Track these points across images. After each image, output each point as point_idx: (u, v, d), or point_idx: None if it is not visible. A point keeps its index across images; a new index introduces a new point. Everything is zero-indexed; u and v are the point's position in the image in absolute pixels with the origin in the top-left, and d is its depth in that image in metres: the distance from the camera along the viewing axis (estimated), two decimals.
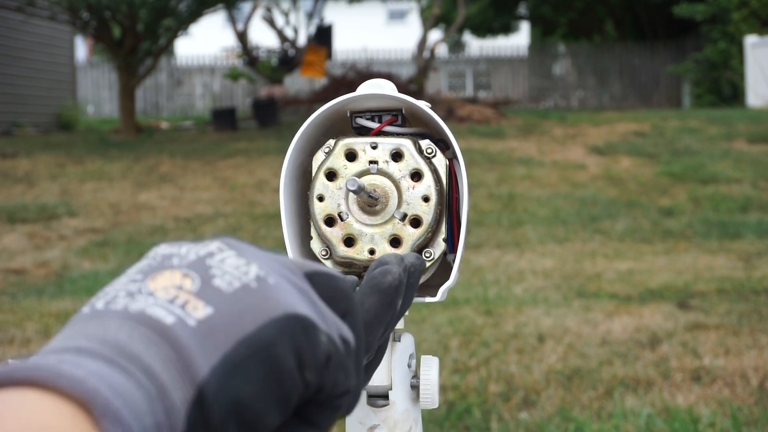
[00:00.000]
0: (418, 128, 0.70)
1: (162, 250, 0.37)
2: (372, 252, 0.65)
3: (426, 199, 0.65)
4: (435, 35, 16.91)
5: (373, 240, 0.65)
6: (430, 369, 0.68)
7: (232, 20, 12.88)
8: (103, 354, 0.30)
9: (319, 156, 0.67)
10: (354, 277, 0.49)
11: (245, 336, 0.33)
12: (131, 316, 0.32)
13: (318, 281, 0.38)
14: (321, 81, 13.64)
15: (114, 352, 0.31)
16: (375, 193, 0.64)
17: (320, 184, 0.66)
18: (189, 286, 0.34)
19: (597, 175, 7.51)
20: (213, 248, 0.36)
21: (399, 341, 0.69)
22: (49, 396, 0.28)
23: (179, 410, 0.31)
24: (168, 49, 11.54)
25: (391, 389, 0.67)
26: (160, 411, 0.30)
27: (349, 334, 0.38)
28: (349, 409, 0.39)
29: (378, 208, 0.65)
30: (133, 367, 0.30)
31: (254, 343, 0.33)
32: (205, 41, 19.82)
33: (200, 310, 0.33)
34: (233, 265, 0.35)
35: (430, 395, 0.68)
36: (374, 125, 0.68)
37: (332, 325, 0.37)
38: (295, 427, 0.36)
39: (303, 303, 0.36)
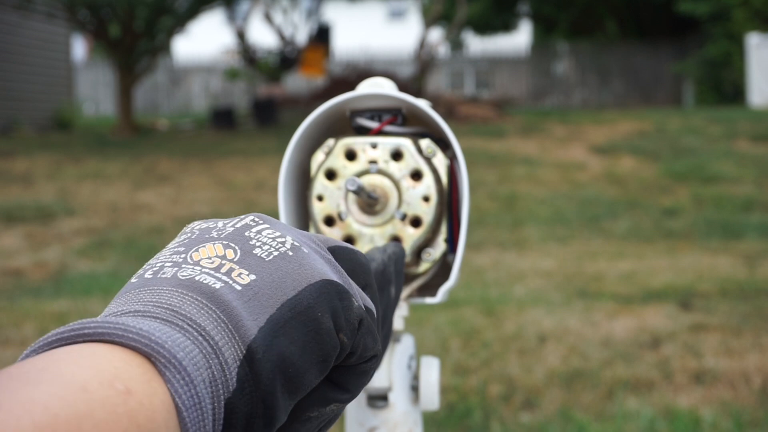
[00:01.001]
0: (418, 128, 0.69)
1: (198, 225, 0.40)
2: None
3: (426, 198, 0.64)
4: (435, 34, 16.90)
5: (372, 240, 0.64)
6: (431, 370, 0.68)
7: (232, 19, 12.87)
8: (160, 315, 0.33)
9: (319, 156, 0.66)
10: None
11: (287, 299, 0.36)
12: (181, 283, 0.35)
13: (341, 255, 0.41)
14: (320, 80, 13.63)
15: (170, 314, 0.33)
16: (375, 193, 0.63)
17: (320, 184, 0.65)
18: (232, 256, 0.37)
19: (598, 174, 7.50)
20: (248, 221, 0.40)
21: (399, 342, 0.68)
22: (117, 348, 0.31)
23: (232, 367, 0.33)
24: (166, 47, 11.54)
25: (390, 390, 0.66)
26: (216, 366, 0.33)
27: (371, 305, 0.40)
28: (371, 375, 0.41)
29: (378, 208, 0.64)
30: (188, 327, 0.33)
31: (296, 305, 0.36)
32: (204, 41, 19.81)
33: (245, 277, 0.36)
34: (270, 236, 0.38)
35: (431, 396, 0.67)
36: (374, 125, 0.67)
37: (358, 294, 0.39)
38: (329, 392, 0.39)
39: (333, 273, 0.38)
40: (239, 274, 0.36)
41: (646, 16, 18.38)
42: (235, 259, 0.37)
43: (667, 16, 17.52)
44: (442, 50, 17.15)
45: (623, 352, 2.79)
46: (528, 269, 4.47)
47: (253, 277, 0.36)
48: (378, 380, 0.66)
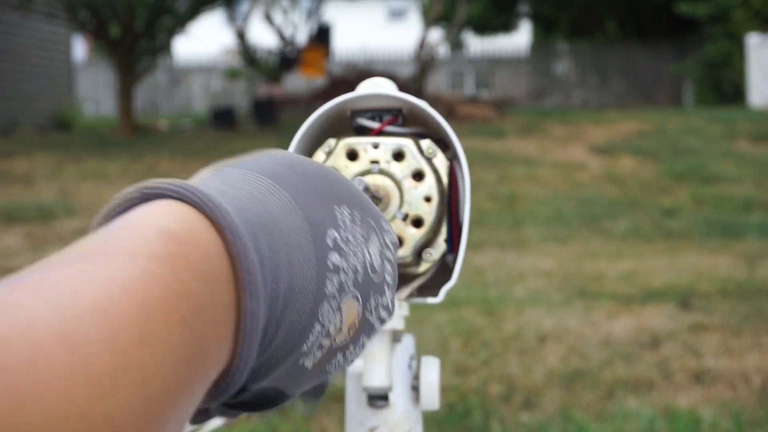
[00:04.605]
0: (419, 128, 0.69)
1: None
2: None
3: (428, 199, 0.64)
4: (435, 34, 16.90)
5: None
6: (431, 370, 0.68)
7: (232, 19, 12.88)
8: None
9: (320, 156, 0.66)
10: None
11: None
12: None
13: None
14: (320, 80, 13.64)
15: None
16: (379, 193, 0.63)
17: None
18: None
19: (598, 174, 7.50)
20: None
21: (399, 342, 0.68)
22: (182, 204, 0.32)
23: None
24: (166, 47, 11.54)
25: (391, 390, 0.67)
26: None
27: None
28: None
29: (380, 208, 0.64)
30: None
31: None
32: (204, 41, 19.81)
33: None
34: None
35: (431, 396, 0.67)
36: (375, 125, 0.67)
37: None
38: None
39: None
40: None
41: (646, 17, 18.38)
42: None
43: (667, 16, 17.52)
44: (442, 50, 17.14)
45: (623, 352, 2.79)
46: (528, 269, 4.47)
47: None
48: (378, 380, 0.66)
